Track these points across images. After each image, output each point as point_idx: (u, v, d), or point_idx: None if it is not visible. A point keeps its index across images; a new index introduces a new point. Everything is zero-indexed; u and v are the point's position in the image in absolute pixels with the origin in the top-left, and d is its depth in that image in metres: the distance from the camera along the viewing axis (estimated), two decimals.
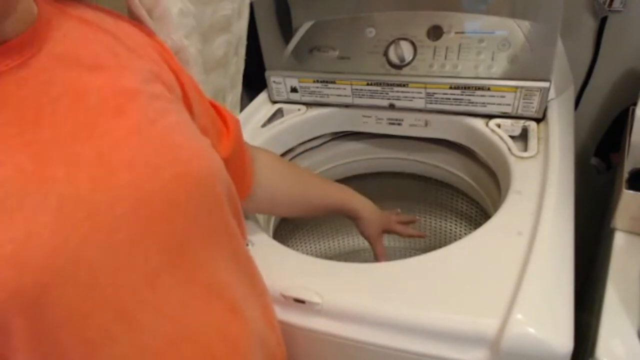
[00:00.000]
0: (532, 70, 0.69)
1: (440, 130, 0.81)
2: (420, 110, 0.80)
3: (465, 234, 0.93)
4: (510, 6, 0.67)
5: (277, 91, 0.89)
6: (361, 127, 0.87)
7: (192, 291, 0.38)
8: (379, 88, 0.79)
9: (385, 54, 0.76)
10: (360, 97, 0.82)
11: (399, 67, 0.77)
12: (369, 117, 0.84)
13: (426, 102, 0.78)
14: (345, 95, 0.83)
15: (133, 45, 0.41)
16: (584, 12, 0.86)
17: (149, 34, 0.45)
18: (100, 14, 0.41)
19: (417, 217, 0.84)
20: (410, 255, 0.53)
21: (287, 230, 0.99)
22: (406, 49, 0.75)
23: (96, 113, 0.35)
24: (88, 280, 0.31)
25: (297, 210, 0.70)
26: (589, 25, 0.87)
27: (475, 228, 0.58)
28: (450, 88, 0.75)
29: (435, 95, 0.76)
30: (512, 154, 0.67)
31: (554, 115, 0.71)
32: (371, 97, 0.81)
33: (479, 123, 0.75)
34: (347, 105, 0.84)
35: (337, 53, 0.80)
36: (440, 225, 1.04)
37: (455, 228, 1.01)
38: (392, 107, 0.81)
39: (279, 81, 0.87)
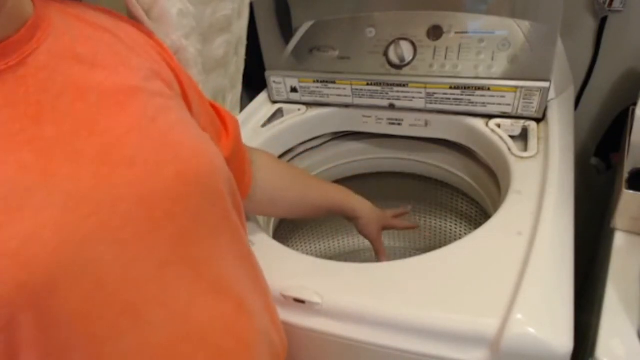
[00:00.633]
0: (532, 70, 0.69)
1: (440, 130, 0.81)
2: (420, 110, 0.80)
3: (465, 234, 0.93)
4: (510, 6, 0.67)
5: (277, 91, 0.89)
6: (361, 127, 0.87)
7: (199, 287, 0.38)
8: (379, 88, 0.79)
9: (385, 54, 0.76)
10: (360, 97, 0.82)
11: (399, 67, 0.77)
12: (369, 117, 0.84)
13: (426, 102, 0.78)
14: (345, 95, 0.83)
15: (132, 44, 0.41)
16: (584, 12, 0.86)
17: (148, 34, 0.45)
18: (98, 14, 0.41)
19: (410, 208, 0.84)
20: (410, 255, 0.53)
21: (287, 230, 0.99)
22: (406, 49, 0.75)
23: (96, 110, 0.35)
24: (94, 276, 0.31)
25: (296, 211, 0.70)
26: (589, 25, 0.87)
27: (475, 228, 0.58)
28: (450, 88, 0.75)
29: (435, 95, 0.76)
30: (512, 154, 0.67)
31: (554, 115, 0.71)
32: (371, 97, 0.81)
33: (479, 123, 0.75)
34: (347, 105, 0.84)
35: (337, 53, 0.80)
36: (440, 225, 1.04)
37: (455, 228, 1.01)
38: (392, 107, 0.81)
39: (279, 81, 0.87)
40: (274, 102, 0.90)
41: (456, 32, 0.72)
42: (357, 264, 0.55)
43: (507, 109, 0.73)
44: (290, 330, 0.52)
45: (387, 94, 0.80)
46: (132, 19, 0.54)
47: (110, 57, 0.38)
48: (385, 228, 0.79)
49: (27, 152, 0.30)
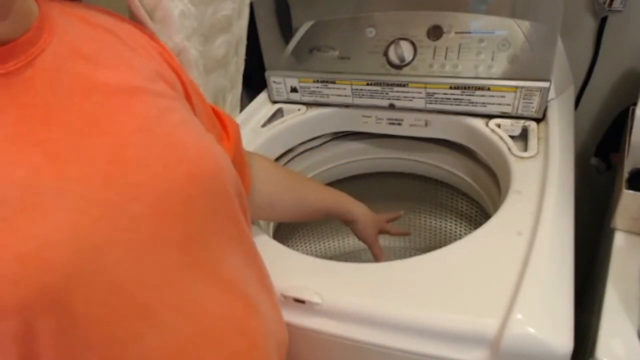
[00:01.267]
0: (532, 70, 0.69)
1: (440, 130, 0.81)
2: (420, 110, 0.80)
3: (465, 234, 0.93)
4: (510, 6, 0.67)
5: (277, 91, 0.89)
6: (361, 127, 0.87)
7: (210, 287, 0.38)
8: (379, 88, 0.79)
9: (385, 54, 0.76)
10: (360, 97, 0.82)
11: (399, 67, 0.77)
12: (369, 117, 0.84)
13: (426, 102, 0.78)
14: (345, 95, 0.83)
15: (134, 44, 0.41)
16: (584, 12, 0.86)
17: (150, 34, 0.45)
18: (100, 14, 0.41)
19: (402, 212, 0.85)
20: (410, 255, 0.53)
21: (287, 230, 0.99)
22: (406, 49, 0.75)
23: (103, 111, 0.35)
24: (111, 278, 0.31)
25: (294, 215, 0.71)
26: (589, 25, 0.87)
27: (475, 228, 0.58)
28: (450, 88, 0.75)
29: (435, 95, 0.76)
30: (512, 154, 0.67)
31: (554, 115, 0.71)
32: (371, 97, 0.81)
33: (479, 123, 0.75)
34: (347, 105, 0.84)
35: (337, 53, 0.80)
36: (440, 225, 1.04)
37: (455, 228, 1.01)
38: (392, 107, 0.81)
39: (279, 81, 0.87)
40: (274, 102, 0.90)
41: (456, 32, 0.72)
42: (357, 264, 0.55)
43: (507, 109, 0.73)
44: (290, 330, 0.52)
45: (387, 94, 0.80)
46: (135, 20, 0.54)
47: (113, 57, 0.38)
48: (381, 232, 0.79)
49: (37, 154, 0.30)
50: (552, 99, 0.73)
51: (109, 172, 0.32)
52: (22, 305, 0.27)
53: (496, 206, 0.60)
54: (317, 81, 0.83)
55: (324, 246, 1.10)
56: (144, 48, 0.42)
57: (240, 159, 0.56)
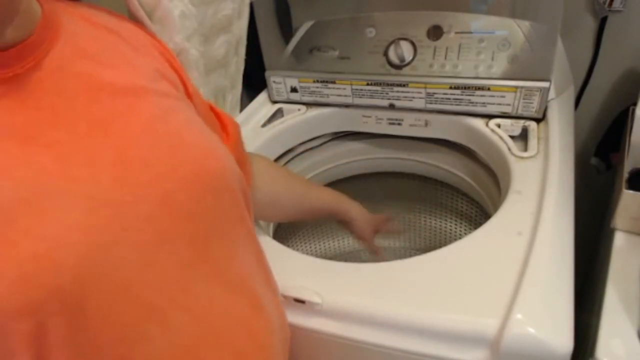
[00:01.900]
0: (532, 70, 0.69)
1: (440, 130, 0.81)
2: (420, 110, 0.80)
3: (465, 234, 0.93)
4: (510, 6, 0.67)
5: (277, 91, 0.89)
6: (361, 127, 0.87)
7: (217, 287, 0.38)
8: (379, 88, 0.79)
9: (385, 54, 0.76)
10: (360, 97, 0.82)
11: (399, 67, 0.76)
12: (369, 117, 0.84)
13: (426, 102, 0.78)
14: (345, 95, 0.83)
15: (136, 44, 0.41)
16: (584, 12, 0.86)
17: (151, 34, 0.45)
18: (102, 14, 0.41)
19: (392, 215, 0.86)
20: (410, 255, 0.53)
21: (287, 230, 0.99)
22: (406, 49, 0.75)
23: (109, 111, 0.35)
24: (120, 279, 0.31)
25: (293, 214, 0.71)
26: (589, 25, 0.87)
27: (475, 228, 0.58)
28: (450, 88, 0.75)
29: (435, 95, 0.76)
30: (512, 154, 0.67)
31: (554, 115, 0.71)
32: (371, 97, 0.81)
33: (479, 123, 0.75)
34: (347, 105, 0.84)
35: (337, 53, 0.80)
36: (440, 225, 1.04)
37: (455, 228, 1.01)
38: (392, 107, 0.81)
39: (279, 81, 0.87)
40: (274, 102, 0.90)
41: (456, 32, 0.72)
42: (357, 264, 0.55)
43: (507, 109, 0.73)
44: (290, 330, 0.52)
45: (387, 94, 0.79)
46: (134, 21, 0.54)
47: (117, 57, 0.38)
48: (377, 231, 0.80)
49: (45, 156, 0.30)
50: (552, 99, 0.73)
51: (116, 172, 0.32)
52: (33, 305, 0.27)
53: (496, 206, 0.60)
54: (317, 81, 0.83)
55: (324, 246, 1.10)
56: (147, 48, 0.42)
57: (241, 159, 0.56)
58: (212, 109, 0.53)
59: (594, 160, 0.96)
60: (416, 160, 0.91)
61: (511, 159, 0.66)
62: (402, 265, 0.53)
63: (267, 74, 0.87)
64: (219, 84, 0.79)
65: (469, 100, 0.75)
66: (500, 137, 0.71)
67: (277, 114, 0.89)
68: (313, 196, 0.71)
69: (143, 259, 0.32)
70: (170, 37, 0.60)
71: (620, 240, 0.59)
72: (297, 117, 0.85)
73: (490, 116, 0.75)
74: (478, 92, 0.73)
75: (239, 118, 0.85)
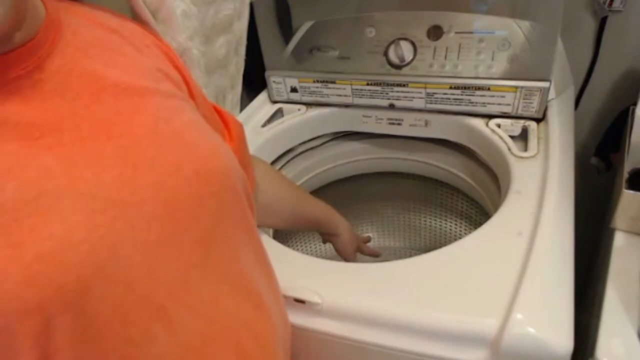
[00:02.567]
0: (532, 70, 0.69)
1: (440, 130, 0.81)
2: (420, 110, 0.80)
3: (465, 234, 0.93)
4: (510, 6, 0.67)
5: (277, 91, 0.89)
6: (361, 127, 0.87)
7: (221, 287, 0.38)
8: (379, 88, 0.79)
9: (385, 54, 0.76)
10: (360, 97, 0.82)
11: (399, 67, 0.77)
12: (369, 117, 0.84)
13: (426, 102, 0.78)
14: (345, 95, 0.83)
15: (139, 44, 0.41)
16: (584, 12, 0.86)
17: (154, 34, 0.45)
18: (104, 13, 0.41)
19: (371, 236, 0.90)
20: (410, 255, 0.53)
21: (287, 230, 0.99)
22: (406, 49, 0.75)
23: (113, 113, 0.35)
24: (126, 279, 0.31)
25: (286, 221, 0.71)
26: (589, 25, 0.87)
27: (475, 228, 0.58)
28: (450, 88, 0.75)
29: (435, 95, 0.76)
30: (512, 154, 0.67)
31: (554, 115, 0.71)
32: (371, 97, 0.81)
33: (479, 123, 0.75)
34: (347, 105, 0.84)
35: (337, 53, 0.80)
36: (440, 225, 1.04)
37: (455, 228, 1.01)
38: (392, 107, 0.81)
39: (279, 81, 0.87)
40: (274, 102, 0.90)
41: (456, 32, 0.72)
42: (357, 264, 0.55)
43: (507, 109, 0.73)
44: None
45: (387, 94, 0.80)
46: (138, 20, 0.54)
47: (120, 58, 0.38)
48: (357, 250, 0.83)
49: (49, 158, 0.30)
50: (552, 99, 0.73)
51: (120, 173, 0.32)
52: (39, 304, 0.27)
53: (496, 206, 0.60)
54: (317, 81, 0.83)
55: (324, 246, 1.09)
56: (149, 48, 0.42)
57: (244, 160, 0.56)
58: (215, 109, 0.53)
59: (594, 160, 0.96)
60: (416, 160, 0.91)
61: (511, 159, 0.66)
62: (402, 265, 0.53)
63: (267, 74, 0.87)
64: (219, 84, 0.78)
65: (469, 100, 0.75)
66: (500, 137, 0.71)
67: (277, 114, 0.89)
68: (306, 205, 0.72)
69: (147, 258, 0.32)
70: (173, 37, 0.60)
71: (620, 240, 0.59)
72: (297, 117, 0.86)
73: (490, 116, 0.75)
74: (478, 92, 0.73)
75: (239, 118, 0.85)
